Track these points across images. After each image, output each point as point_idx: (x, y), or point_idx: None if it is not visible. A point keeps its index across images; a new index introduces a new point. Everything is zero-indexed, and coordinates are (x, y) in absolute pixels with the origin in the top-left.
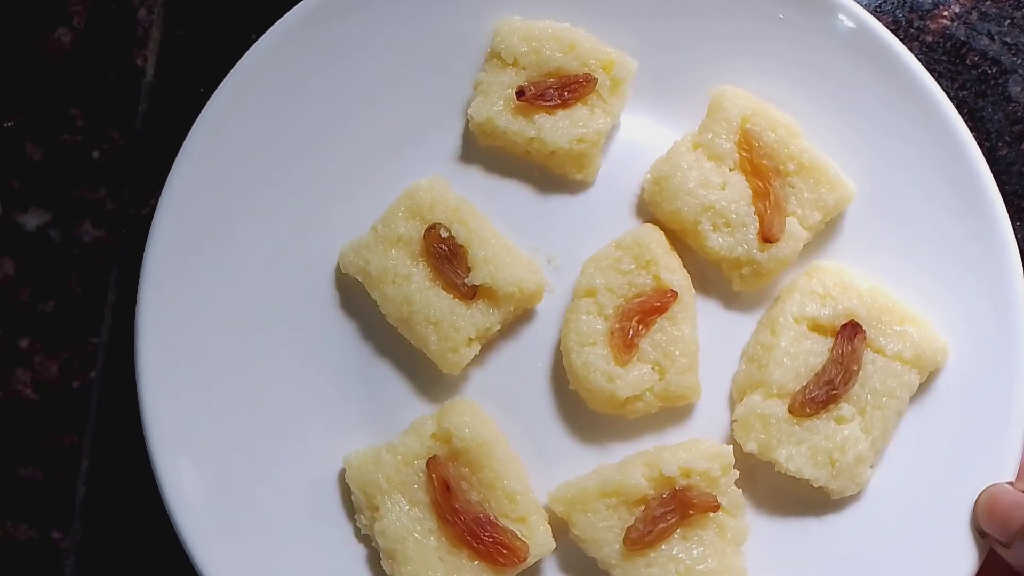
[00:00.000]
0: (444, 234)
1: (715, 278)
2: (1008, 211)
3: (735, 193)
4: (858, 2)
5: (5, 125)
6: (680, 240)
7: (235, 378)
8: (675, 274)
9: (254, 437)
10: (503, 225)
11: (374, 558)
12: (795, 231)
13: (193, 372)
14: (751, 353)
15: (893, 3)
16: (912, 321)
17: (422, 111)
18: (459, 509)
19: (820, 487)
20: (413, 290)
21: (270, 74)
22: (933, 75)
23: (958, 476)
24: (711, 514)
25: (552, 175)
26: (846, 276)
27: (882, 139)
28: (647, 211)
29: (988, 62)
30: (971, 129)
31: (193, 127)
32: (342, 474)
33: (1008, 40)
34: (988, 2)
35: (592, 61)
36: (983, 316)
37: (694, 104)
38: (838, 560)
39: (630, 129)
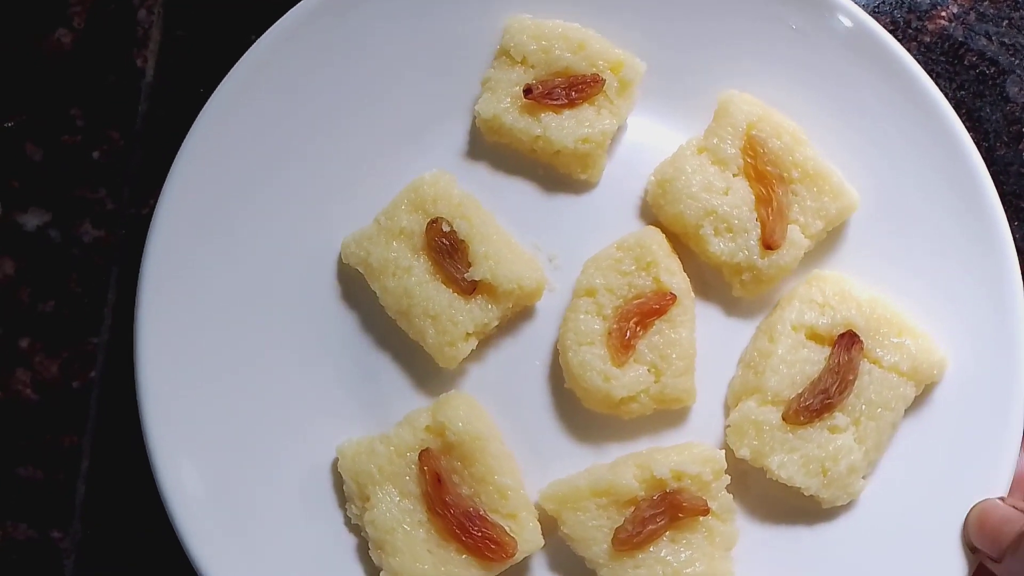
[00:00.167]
0: (446, 228)
1: (715, 283)
2: (1006, 211)
3: (738, 198)
4: (856, 2)
5: (5, 125)
6: (682, 244)
7: (234, 377)
8: (675, 277)
9: (252, 432)
10: (506, 222)
11: (363, 548)
12: (796, 239)
13: (193, 371)
14: (748, 359)
15: (891, 3)
16: (910, 333)
17: (429, 106)
18: (449, 502)
19: (811, 496)
20: (413, 283)
21: (270, 74)
22: (931, 75)
23: (951, 490)
24: (701, 518)
25: (557, 174)
26: (846, 286)
27: (885, 145)
28: (650, 213)
29: (986, 62)
30: (969, 129)
31: (193, 127)
32: (335, 464)
33: (1006, 40)
34: (986, 3)
35: (601, 62)
36: (982, 329)
37: (701, 108)
38: (827, 569)
39: (637, 131)
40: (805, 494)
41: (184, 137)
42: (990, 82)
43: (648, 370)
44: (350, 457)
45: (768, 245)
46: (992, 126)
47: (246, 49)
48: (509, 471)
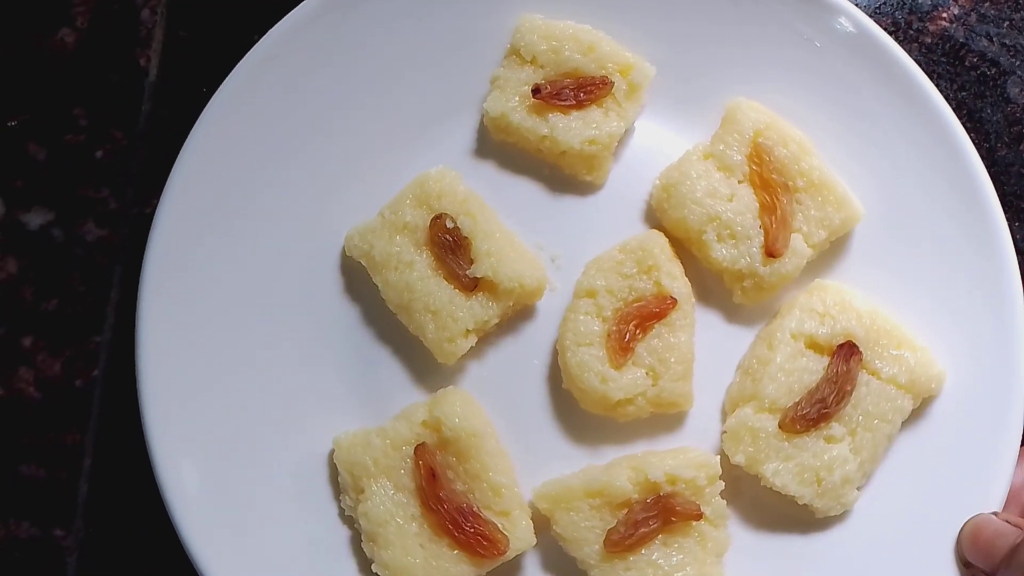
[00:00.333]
0: (450, 224)
1: (717, 289)
2: (1006, 212)
3: (742, 205)
4: (857, 4)
5: (9, 124)
6: (684, 248)
7: (236, 377)
8: (676, 282)
9: (253, 430)
10: (510, 220)
11: (356, 541)
12: (799, 248)
13: (194, 369)
14: (746, 366)
15: (892, 5)
16: (910, 346)
17: (437, 103)
18: (443, 498)
19: (805, 505)
20: (415, 278)
21: (272, 73)
22: (932, 77)
23: (945, 505)
24: (694, 523)
25: (563, 175)
26: (847, 296)
27: (890, 156)
28: (654, 217)
29: (987, 63)
30: (969, 131)
31: (195, 126)
32: (332, 456)
33: (1007, 42)
34: (987, 4)
35: (610, 64)
36: (981, 345)
37: (709, 114)
38: None
39: (644, 135)
40: (799, 503)
41: (187, 137)
42: (991, 83)
43: (646, 373)
44: (346, 449)
45: (770, 253)
46: (993, 127)
47: (249, 49)
48: (504, 469)
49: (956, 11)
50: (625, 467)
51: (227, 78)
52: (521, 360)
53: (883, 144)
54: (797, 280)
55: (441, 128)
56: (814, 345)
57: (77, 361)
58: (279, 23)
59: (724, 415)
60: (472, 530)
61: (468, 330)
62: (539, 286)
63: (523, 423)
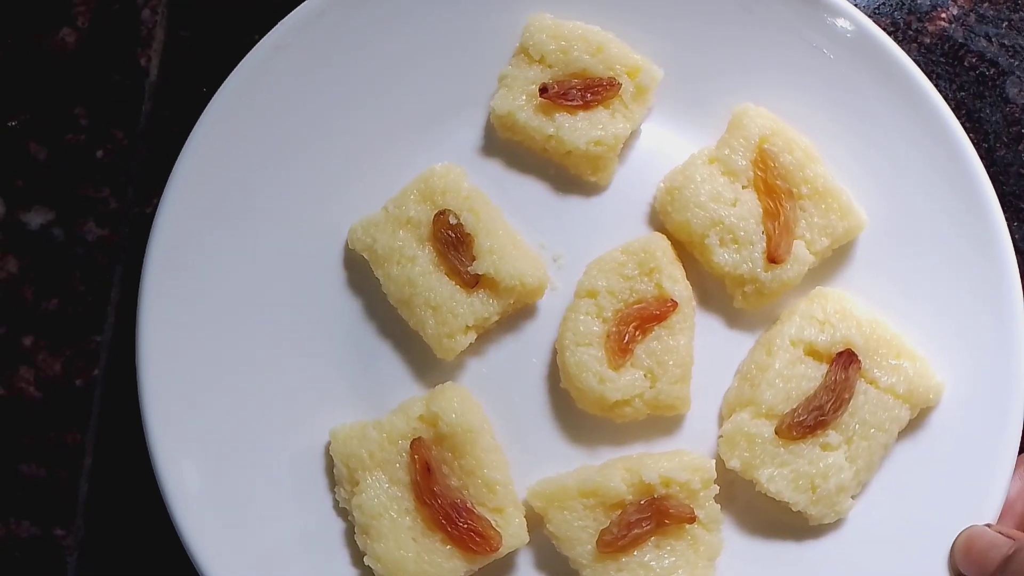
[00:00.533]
0: (453, 221)
1: (718, 294)
2: (1006, 212)
3: (745, 211)
4: (856, 4)
5: (9, 124)
6: (687, 252)
7: (236, 376)
8: (677, 284)
9: (253, 428)
10: (513, 219)
11: (350, 533)
12: (801, 255)
13: (194, 368)
14: (745, 371)
15: (891, 5)
16: (909, 356)
17: (444, 99)
18: (437, 492)
19: (799, 511)
20: (416, 272)
21: (275, 71)
22: (931, 77)
23: (939, 515)
24: (687, 526)
25: (568, 175)
26: (847, 304)
27: (896, 165)
28: (657, 220)
29: (986, 64)
30: (969, 131)
31: (196, 126)
32: (328, 447)
33: (1006, 42)
34: (986, 4)
35: (618, 66)
36: (981, 357)
37: (715, 119)
38: None
39: (649, 137)
40: (793, 509)
41: (187, 136)
42: (990, 83)
43: (644, 375)
44: (342, 440)
45: (772, 259)
46: (992, 127)
47: (249, 49)
48: (499, 466)
49: (955, 11)
50: (620, 468)
51: (229, 77)
52: (520, 358)
53: (883, 144)
54: (798, 287)
55: (448, 124)
56: (813, 352)
57: (77, 361)
58: (284, 19)
59: (721, 420)
60: (465, 526)
61: (468, 326)
62: (540, 285)
63: (520, 421)
